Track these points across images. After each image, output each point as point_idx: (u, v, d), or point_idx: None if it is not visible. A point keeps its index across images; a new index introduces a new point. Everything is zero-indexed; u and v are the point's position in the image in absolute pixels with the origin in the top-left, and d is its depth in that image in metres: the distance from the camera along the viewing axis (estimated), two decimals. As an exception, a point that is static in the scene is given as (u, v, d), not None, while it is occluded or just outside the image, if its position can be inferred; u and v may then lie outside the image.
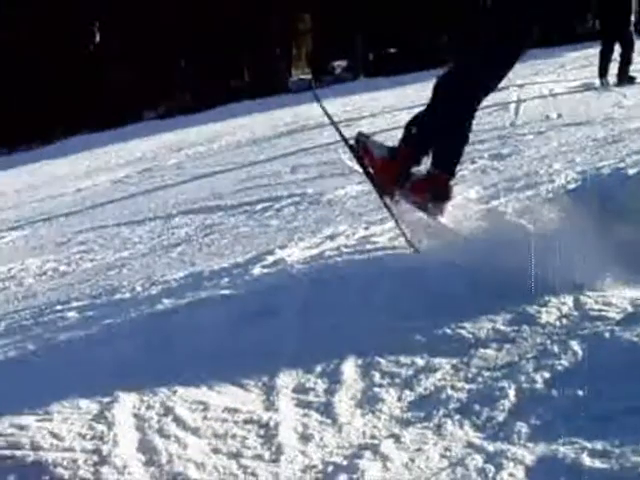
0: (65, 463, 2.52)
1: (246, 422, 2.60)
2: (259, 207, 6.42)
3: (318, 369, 2.84)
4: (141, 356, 3.14)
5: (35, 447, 2.62)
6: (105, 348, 3.36)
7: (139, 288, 4.50)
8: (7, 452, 2.63)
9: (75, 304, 4.58)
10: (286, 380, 2.81)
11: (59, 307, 4.63)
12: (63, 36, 27.61)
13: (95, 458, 2.52)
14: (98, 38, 30.50)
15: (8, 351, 3.81)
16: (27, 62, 26.09)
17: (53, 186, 12.05)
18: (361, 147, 3.53)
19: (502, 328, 2.98)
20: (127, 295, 4.43)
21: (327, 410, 2.62)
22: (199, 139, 14.40)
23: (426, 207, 3.51)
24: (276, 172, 8.25)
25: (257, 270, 4.16)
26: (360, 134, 3.62)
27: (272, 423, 2.58)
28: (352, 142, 3.59)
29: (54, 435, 2.66)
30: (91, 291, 4.88)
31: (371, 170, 3.52)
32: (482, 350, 2.86)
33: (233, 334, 3.19)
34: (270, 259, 4.34)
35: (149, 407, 2.72)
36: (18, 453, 2.61)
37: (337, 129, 3.75)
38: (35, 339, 3.91)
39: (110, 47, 28.33)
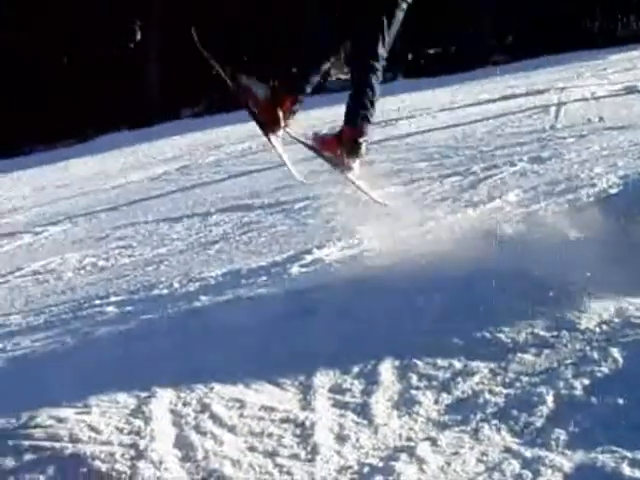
0: (103, 456, 2.55)
1: (282, 421, 2.61)
2: (297, 206, 6.41)
3: (355, 370, 2.84)
4: (178, 353, 3.16)
5: (73, 439, 2.65)
6: (143, 344, 3.38)
7: (177, 285, 4.53)
8: (46, 444, 2.67)
9: (113, 299, 4.63)
10: (323, 380, 2.81)
11: (98, 302, 4.67)
12: (103, 34, 27.93)
13: (132, 452, 2.54)
14: (139, 36, 30.80)
15: (48, 344, 3.86)
16: (69, 61, 26.44)
17: (92, 182, 12.15)
18: (243, 88, 3.70)
19: (541, 333, 2.96)
20: (165, 291, 4.46)
21: (363, 411, 2.62)
22: (237, 137, 14.43)
23: (341, 162, 3.78)
24: (314, 171, 8.24)
25: (295, 269, 4.17)
26: (241, 76, 3.76)
27: (308, 423, 2.58)
28: (231, 84, 3.75)
29: (92, 428, 2.69)
30: (129, 286, 4.92)
31: (255, 110, 3.71)
32: (520, 355, 2.84)
33: (270, 333, 3.20)
34: (308, 258, 4.34)
35: (186, 403, 2.74)
36: (57, 445, 2.64)
37: (220, 69, 3.79)
38: (74, 333, 3.95)
39: (150, 45, 28.60)
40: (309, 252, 4.50)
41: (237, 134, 15.09)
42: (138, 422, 2.68)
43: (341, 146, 3.75)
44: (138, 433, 2.62)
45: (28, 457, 2.64)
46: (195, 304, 3.84)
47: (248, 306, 3.60)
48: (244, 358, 2.99)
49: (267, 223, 6.06)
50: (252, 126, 14.06)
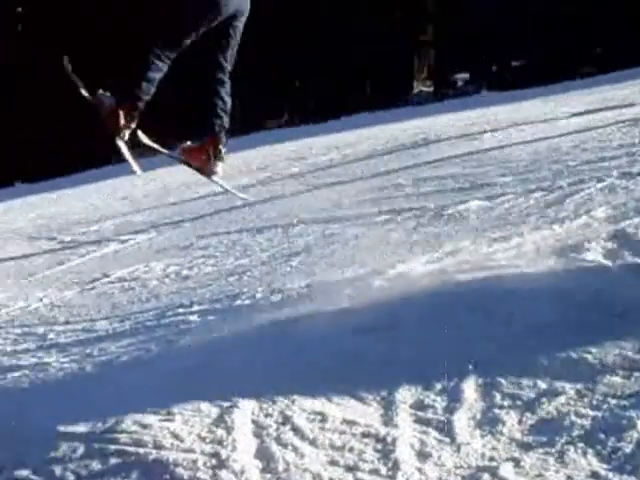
0: (185, 464, 2.58)
1: (364, 435, 2.60)
2: (379, 219, 6.40)
3: (438, 386, 2.81)
4: (261, 363, 3.18)
5: (157, 446, 2.70)
6: (226, 353, 3.41)
7: (259, 295, 4.56)
8: (131, 449, 2.72)
9: (197, 308, 4.69)
10: (405, 395, 2.79)
11: (181, 310, 4.75)
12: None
13: (214, 461, 2.57)
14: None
15: (132, 351, 3.93)
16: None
17: (177, 192, 12.37)
18: (97, 100, 4.37)
19: (630, 355, 2.88)
20: (247, 302, 4.50)
21: (446, 429, 2.59)
22: (320, 149, 14.50)
23: (207, 168, 4.42)
24: (397, 184, 8.21)
25: (378, 283, 4.15)
26: (99, 92, 4.41)
27: (390, 438, 2.57)
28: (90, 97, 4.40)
29: (175, 435, 2.73)
30: (212, 296, 4.98)
31: (103, 115, 4.35)
32: (608, 377, 2.77)
33: (353, 346, 3.19)
34: (391, 272, 4.32)
35: (268, 415, 2.76)
36: (141, 450, 2.70)
37: (77, 84, 4.41)
38: (158, 340, 4.02)
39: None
40: (392, 266, 4.47)
41: (319, 146, 15.18)
42: (220, 431, 2.71)
43: (206, 153, 4.37)
44: (220, 442, 2.65)
45: (113, 461, 2.69)
46: (278, 315, 3.86)
47: (331, 319, 3.60)
48: (326, 371, 2.99)
49: (349, 235, 6.06)
50: (334, 139, 14.15)
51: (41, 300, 6.18)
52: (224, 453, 2.59)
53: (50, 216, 12.39)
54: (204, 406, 2.87)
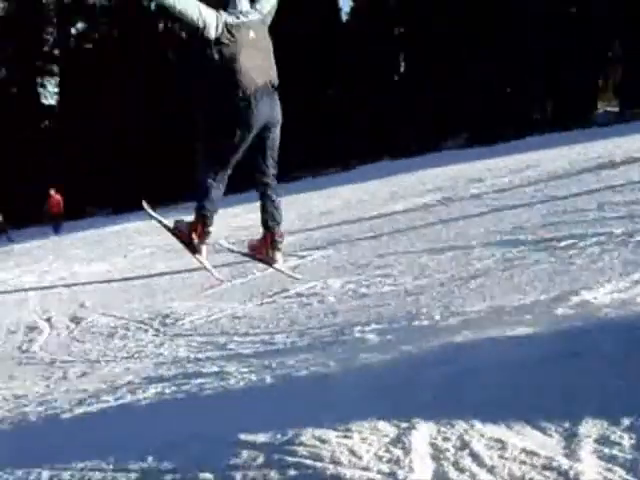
0: (361, 482, 2.59)
1: (544, 467, 2.52)
2: (562, 244, 6.21)
3: (625, 422, 2.68)
4: (441, 386, 3.15)
5: (335, 461, 2.72)
6: (404, 374, 3.40)
7: (438, 317, 4.53)
8: (309, 462, 2.76)
9: (374, 326, 4.72)
10: (589, 429, 2.68)
11: (358, 328, 4.79)
12: (364, 68, 28.92)
13: (391, 481, 2.56)
14: (403, 68, 31.49)
15: (310, 366, 4.00)
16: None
17: (354, 210, 12.53)
18: (176, 229, 5.06)
19: None
20: (425, 322, 4.48)
21: (633, 467, 2.46)
22: (499, 171, 14.29)
23: (268, 259, 5.02)
24: (580, 209, 7.96)
25: (561, 310, 4.03)
26: (176, 221, 5.12)
27: (572, 473, 2.47)
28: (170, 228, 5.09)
29: (353, 452, 2.75)
30: (389, 315, 4.99)
31: (183, 240, 5.07)
32: None
33: (535, 374, 3.10)
34: (574, 300, 4.19)
35: (446, 439, 2.72)
36: (319, 465, 2.73)
37: (164, 226, 5.11)
38: (335, 357, 4.07)
39: (415, 76, 29.11)
40: (575, 293, 4.33)
41: (498, 168, 14.96)
42: (397, 452, 2.70)
43: (266, 247, 5.03)
44: (397, 463, 2.64)
45: (291, 473, 2.74)
46: (457, 338, 3.82)
47: (512, 345, 3.52)
48: (506, 398, 2.92)
49: (530, 260, 5.91)
50: (513, 160, 13.97)
51: (222, 311, 6.42)
52: (401, 474, 2.57)
53: (229, 228, 12.86)
54: (381, 425, 2.87)
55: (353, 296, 6.08)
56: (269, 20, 4.77)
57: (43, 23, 38.23)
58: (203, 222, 5.00)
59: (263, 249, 5.07)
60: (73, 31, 38.70)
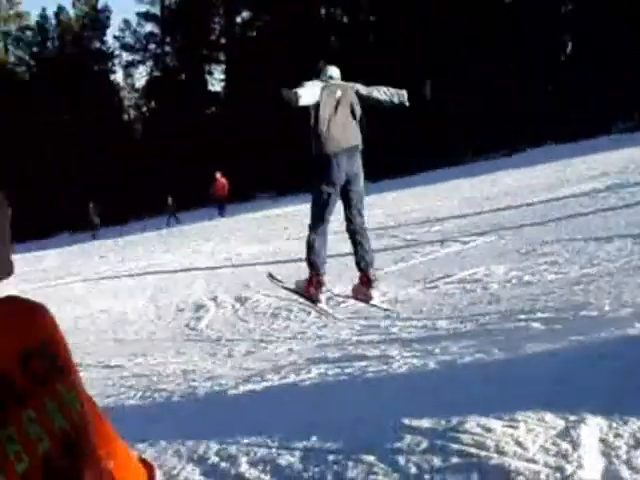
0: (527, 473, 2.53)
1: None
2: None
3: None
4: (608, 379, 3.03)
5: (499, 451, 2.67)
6: (574, 365, 3.29)
7: (607, 308, 4.36)
8: (472, 450, 2.72)
9: (539, 315, 4.60)
10: None
11: (523, 316, 4.68)
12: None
13: (558, 475, 2.49)
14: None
15: (474, 352, 3.94)
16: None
17: (518, 196, 12.23)
18: (296, 287, 6.02)
19: None
20: (594, 313, 4.32)
21: None
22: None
23: (366, 297, 5.89)
24: None
25: None
26: (296, 282, 6.08)
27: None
28: (291, 287, 6.15)
29: (518, 443, 2.69)
30: (555, 304, 4.85)
31: (304, 294, 6.01)
32: None
33: None
34: None
35: (617, 435, 2.61)
36: (482, 453, 2.69)
37: (287, 288, 6.32)
38: (499, 345, 3.99)
39: (584, 55, 28.09)
40: None
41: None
42: (565, 445, 2.62)
43: (363, 287, 5.87)
44: (565, 457, 2.56)
45: (454, 460, 2.71)
46: (628, 330, 3.66)
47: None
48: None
49: None
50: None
51: (384, 295, 6.44)
52: (569, 468, 2.49)
53: (390, 214, 12.87)
54: (549, 417, 2.79)
55: (517, 283, 5.94)
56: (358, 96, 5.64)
57: (210, 13, 39.52)
58: (316, 273, 5.80)
59: (361, 290, 5.91)
60: (238, 20, 39.84)
